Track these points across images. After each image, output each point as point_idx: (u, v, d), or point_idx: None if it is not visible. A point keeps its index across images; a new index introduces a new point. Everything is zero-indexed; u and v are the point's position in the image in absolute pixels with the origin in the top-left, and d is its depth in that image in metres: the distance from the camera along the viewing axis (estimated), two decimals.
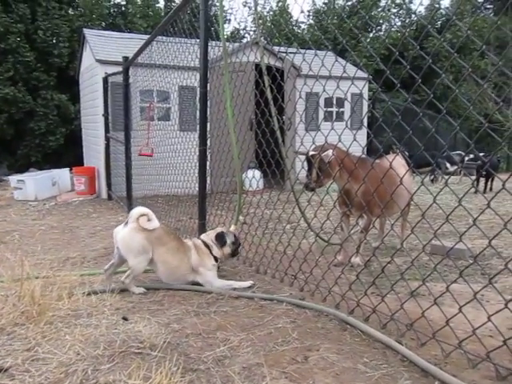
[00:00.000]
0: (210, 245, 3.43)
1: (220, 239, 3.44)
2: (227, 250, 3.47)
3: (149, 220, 3.18)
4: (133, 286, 3.18)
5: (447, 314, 2.19)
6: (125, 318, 2.65)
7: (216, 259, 3.41)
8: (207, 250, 3.40)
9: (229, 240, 3.48)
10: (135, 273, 3.17)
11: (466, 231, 2.24)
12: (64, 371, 2.05)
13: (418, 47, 2.34)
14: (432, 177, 10.89)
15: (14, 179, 9.21)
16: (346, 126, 2.68)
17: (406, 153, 4.37)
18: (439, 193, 2.28)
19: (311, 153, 3.67)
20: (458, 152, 13.16)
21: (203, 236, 3.56)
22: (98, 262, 4.13)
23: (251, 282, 3.35)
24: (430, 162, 6.84)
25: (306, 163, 3.67)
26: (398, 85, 2.34)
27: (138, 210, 3.21)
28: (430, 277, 3.24)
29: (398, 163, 3.76)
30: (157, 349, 2.24)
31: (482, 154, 10.20)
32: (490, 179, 9.31)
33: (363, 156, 3.07)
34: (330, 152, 3.52)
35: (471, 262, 2.18)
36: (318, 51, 2.82)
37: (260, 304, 2.95)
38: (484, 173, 9.08)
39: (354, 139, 2.58)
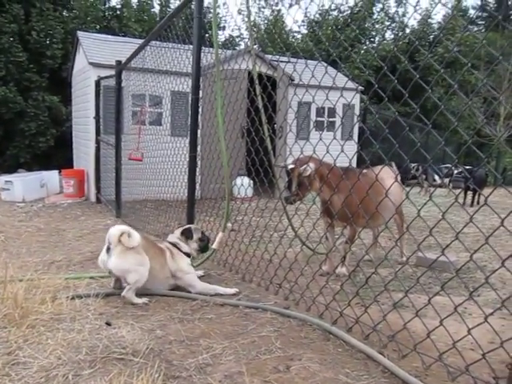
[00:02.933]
0: (177, 243, 3.44)
1: (186, 233, 3.47)
2: (194, 245, 3.49)
3: (129, 236, 3.06)
4: (134, 297, 3.05)
5: (430, 327, 2.21)
6: (108, 323, 2.63)
7: (188, 255, 3.42)
8: (176, 250, 3.40)
9: (195, 235, 3.49)
10: (137, 285, 3.06)
11: (449, 244, 2.27)
12: (44, 376, 2.03)
13: (407, 62, 2.38)
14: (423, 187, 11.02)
15: (1, 180, 9.13)
16: (334, 138, 2.70)
17: (393, 164, 4.41)
18: (424, 205, 2.31)
19: (290, 166, 3.67)
20: (446, 165, 13.29)
21: (169, 237, 3.57)
22: (84, 266, 4.11)
23: (236, 289, 3.34)
24: (415, 174, 6.92)
25: (285, 176, 3.67)
26: (386, 98, 2.38)
27: (115, 231, 3.06)
28: (414, 289, 3.27)
29: (387, 174, 3.78)
30: (139, 355, 2.23)
31: (468, 168, 10.32)
32: (477, 192, 9.41)
33: (349, 167, 3.08)
34: (309, 165, 3.52)
35: (454, 275, 2.21)
36: (310, 61, 2.84)
37: (245, 312, 2.95)
38: (471, 186, 9.18)
39: (342, 150, 2.60)
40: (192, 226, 3.61)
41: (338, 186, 3.35)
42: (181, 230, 3.52)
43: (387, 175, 3.53)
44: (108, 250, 3.09)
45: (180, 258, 3.37)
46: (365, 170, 3.61)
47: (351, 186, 2.87)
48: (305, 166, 3.53)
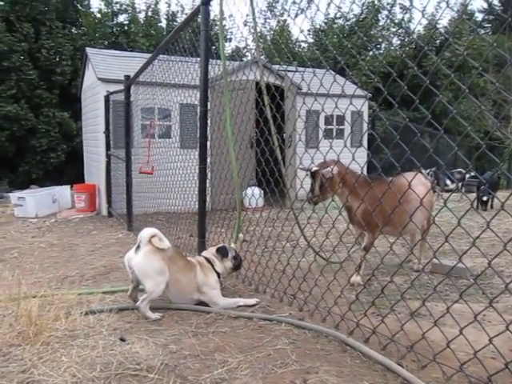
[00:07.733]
0: (212, 259, 3.42)
1: (222, 251, 3.46)
2: (228, 263, 3.47)
3: (160, 240, 3.11)
4: (148, 310, 3.04)
5: (449, 335, 2.16)
6: (122, 339, 2.61)
7: (219, 275, 3.39)
8: (210, 266, 3.38)
9: (230, 254, 3.48)
10: (153, 296, 3.04)
11: (466, 251, 2.22)
12: None
13: (415, 67, 2.35)
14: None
15: (14, 196, 9.22)
16: (345, 146, 2.68)
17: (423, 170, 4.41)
18: (439, 212, 2.27)
19: (314, 168, 3.75)
20: (458, 170, 13.17)
21: (204, 252, 3.58)
22: (97, 281, 4.11)
23: (257, 299, 3.33)
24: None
25: (310, 178, 3.78)
26: (396, 105, 2.35)
27: (148, 232, 3.10)
28: (431, 297, 3.21)
29: (417, 181, 3.66)
30: (154, 371, 2.21)
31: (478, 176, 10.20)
32: (491, 196, 9.27)
33: (377, 176, 3.07)
34: (330, 168, 3.56)
35: (472, 282, 2.15)
36: (318, 69, 2.83)
37: (259, 324, 2.91)
38: (484, 194, 9.05)
39: (353, 158, 2.58)
40: (226, 244, 3.60)
41: (366, 195, 3.32)
42: (216, 247, 3.52)
43: (417, 182, 3.44)
44: (137, 248, 3.10)
45: (210, 274, 3.35)
46: (392, 178, 3.56)
47: (379, 195, 2.83)
48: (327, 168, 3.58)
